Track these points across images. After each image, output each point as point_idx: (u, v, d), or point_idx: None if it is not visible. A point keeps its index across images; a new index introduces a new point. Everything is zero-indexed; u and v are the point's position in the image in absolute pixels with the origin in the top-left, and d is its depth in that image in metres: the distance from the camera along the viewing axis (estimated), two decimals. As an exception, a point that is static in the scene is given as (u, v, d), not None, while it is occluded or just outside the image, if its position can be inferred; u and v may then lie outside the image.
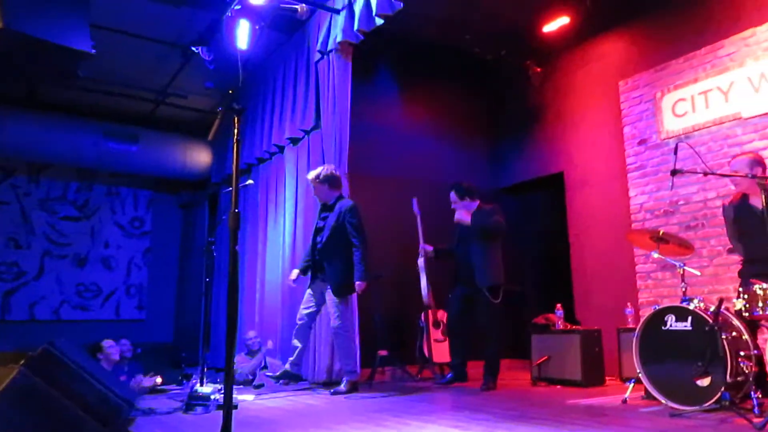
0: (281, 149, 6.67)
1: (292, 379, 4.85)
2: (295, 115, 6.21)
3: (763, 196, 3.35)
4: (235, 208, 2.59)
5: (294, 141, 6.37)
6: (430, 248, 5.39)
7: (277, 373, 4.86)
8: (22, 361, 1.47)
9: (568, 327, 5.02)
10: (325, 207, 4.84)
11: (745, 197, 3.76)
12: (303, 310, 4.78)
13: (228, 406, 2.33)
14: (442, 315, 5.73)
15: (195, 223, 8.53)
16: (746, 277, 3.70)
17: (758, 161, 3.71)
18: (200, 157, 8.37)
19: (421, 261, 5.50)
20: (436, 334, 5.70)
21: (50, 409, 1.50)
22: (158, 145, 8.11)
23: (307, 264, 4.83)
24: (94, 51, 4.45)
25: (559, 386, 4.76)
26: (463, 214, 5.07)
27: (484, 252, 4.84)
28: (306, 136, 6.13)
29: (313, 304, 4.77)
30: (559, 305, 5.12)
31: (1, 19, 3.99)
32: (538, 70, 6.93)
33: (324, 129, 5.73)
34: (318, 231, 4.80)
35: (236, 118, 2.73)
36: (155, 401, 4.27)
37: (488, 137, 7.55)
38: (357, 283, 4.54)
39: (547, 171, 6.83)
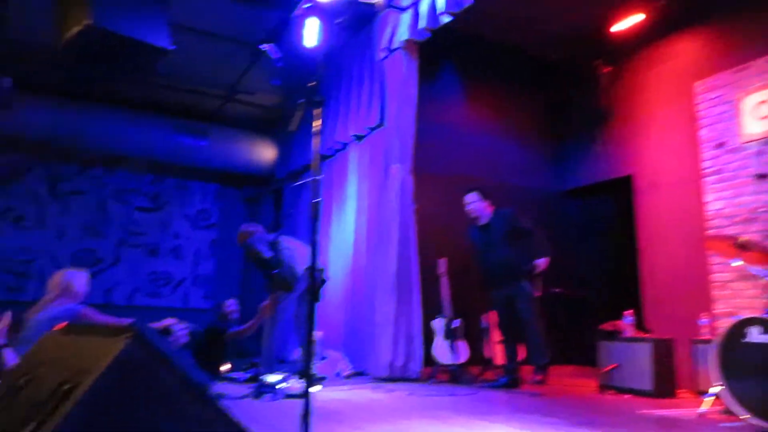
0: (345, 146, 6.72)
1: None
2: (360, 112, 6.26)
3: None
4: (316, 198, 2.62)
5: (358, 138, 6.41)
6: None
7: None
8: (128, 334, 1.52)
9: (639, 335, 4.85)
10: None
11: None
12: None
13: (307, 395, 2.37)
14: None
15: (259, 217, 8.70)
16: None
17: None
18: (265, 153, 8.55)
19: (436, 322, 5.52)
20: (499, 335, 5.62)
21: (152, 383, 1.54)
22: (226, 140, 8.34)
23: None
24: (173, 47, 4.60)
25: (628, 395, 4.61)
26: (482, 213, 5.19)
27: (515, 251, 4.97)
28: (371, 132, 6.16)
29: None
30: (629, 312, 4.95)
31: (90, 16, 4.17)
32: (608, 69, 6.74)
33: (388, 127, 5.75)
34: None
35: (317, 110, 2.78)
36: (225, 387, 4.38)
37: (552, 139, 7.40)
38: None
39: (614, 174, 6.64)
